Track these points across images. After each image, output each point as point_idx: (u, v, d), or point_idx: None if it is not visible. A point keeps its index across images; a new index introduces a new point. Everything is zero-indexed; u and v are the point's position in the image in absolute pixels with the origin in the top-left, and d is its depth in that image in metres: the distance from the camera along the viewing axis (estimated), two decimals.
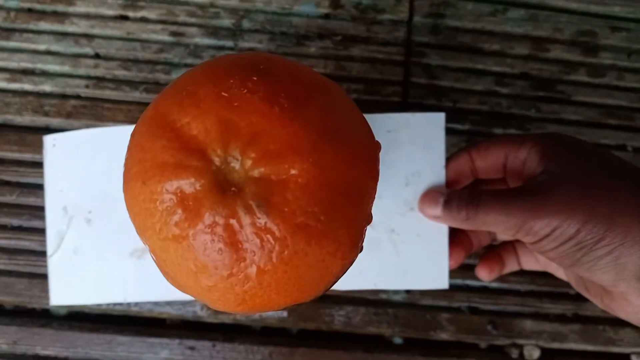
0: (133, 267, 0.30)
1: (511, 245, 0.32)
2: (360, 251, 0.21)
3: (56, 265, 0.30)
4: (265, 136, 0.18)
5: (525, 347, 0.33)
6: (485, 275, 0.31)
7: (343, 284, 0.28)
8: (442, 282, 0.30)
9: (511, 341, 0.33)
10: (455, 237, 0.30)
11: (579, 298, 0.33)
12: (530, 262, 0.31)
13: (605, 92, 0.35)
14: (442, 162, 0.29)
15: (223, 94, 0.19)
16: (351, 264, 0.21)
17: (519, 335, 0.33)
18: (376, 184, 0.21)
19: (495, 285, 0.34)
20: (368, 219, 0.21)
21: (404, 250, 0.30)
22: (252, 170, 0.18)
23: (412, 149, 0.30)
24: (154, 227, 0.19)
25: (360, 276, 0.30)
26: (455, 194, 0.27)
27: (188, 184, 0.18)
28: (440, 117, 0.30)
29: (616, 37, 0.36)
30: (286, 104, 0.18)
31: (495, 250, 0.32)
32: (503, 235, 0.32)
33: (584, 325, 0.33)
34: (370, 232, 0.30)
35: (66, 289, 0.30)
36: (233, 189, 0.18)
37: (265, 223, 0.18)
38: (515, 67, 0.35)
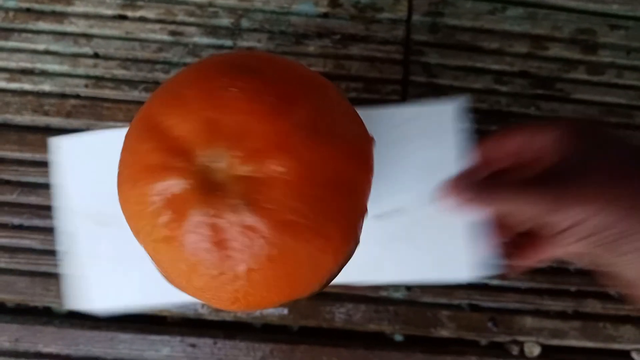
0: (149, 269, 0.29)
1: (530, 239, 0.30)
2: (357, 244, 0.21)
3: (73, 270, 0.29)
4: (250, 135, 0.18)
5: (525, 343, 0.33)
6: (511, 272, 0.29)
7: (361, 278, 0.28)
8: (465, 273, 0.29)
9: (511, 338, 0.33)
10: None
11: (579, 295, 0.33)
12: (549, 254, 0.29)
13: (604, 90, 0.35)
14: (459, 152, 0.28)
15: (209, 94, 0.19)
16: (347, 258, 0.21)
17: (520, 332, 0.33)
18: (370, 178, 0.21)
19: (495, 282, 0.34)
20: (363, 212, 0.21)
21: (423, 242, 0.29)
22: (237, 169, 0.18)
23: (426, 139, 0.29)
24: (145, 229, 0.19)
25: (379, 270, 0.29)
26: (474, 183, 0.26)
27: (174, 185, 0.18)
28: (454, 106, 0.29)
29: (615, 35, 0.36)
30: (272, 102, 0.18)
31: (514, 244, 0.30)
32: (520, 228, 0.30)
33: (584, 322, 0.33)
34: (387, 225, 0.29)
35: (84, 294, 0.29)
36: (218, 188, 0.18)
37: (251, 221, 0.18)
38: (515, 65, 0.35)
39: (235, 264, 0.18)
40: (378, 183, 0.30)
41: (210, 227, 0.18)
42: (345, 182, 0.19)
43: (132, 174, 0.20)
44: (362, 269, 0.29)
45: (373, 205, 0.29)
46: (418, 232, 0.29)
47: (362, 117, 0.25)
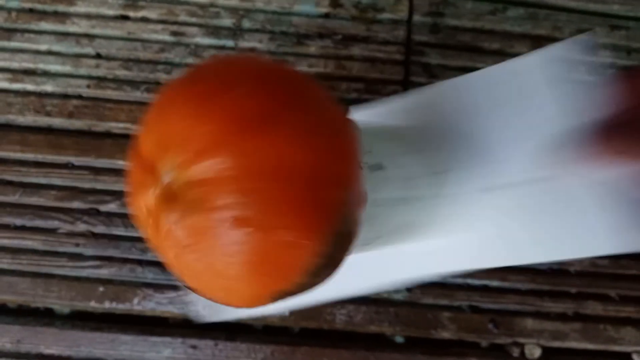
0: None
1: None
2: (348, 232, 0.20)
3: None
4: (194, 138, 0.19)
5: (526, 345, 0.33)
6: None
7: (488, 263, 0.27)
8: (608, 245, 0.25)
9: (512, 340, 0.33)
10: None
11: (579, 297, 0.33)
12: None
13: None
14: (569, 104, 0.25)
15: (160, 109, 0.20)
16: (343, 243, 0.20)
17: (520, 333, 0.33)
18: (350, 162, 0.21)
19: (496, 283, 0.34)
20: (341, 197, 0.20)
21: (553, 215, 0.26)
22: (187, 175, 0.19)
23: (530, 102, 0.26)
24: (146, 238, 0.21)
25: (508, 252, 0.27)
26: (624, 132, 0.21)
27: (148, 199, 0.20)
28: (546, 54, 0.25)
29: (615, 35, 0.36)
30: (216, 102, 0.19)
31: None
32: None
33: (585, 323, 0.33)
34: (504, 202, 0.26)
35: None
36: (176, 196, 0.19)
37: (205, 223, 0.19)
38: None
39: (209, 264, 0.19)
40: (478, 157, 0.27)
41: (176, 232, 0.19)
42: (301, 168, 0.20)
43: (130, 189, 0.21)
44: (482, 253, 0.27)
45: (479, 180, 0.27)
46: (545, 203, 0.26)
47: (447, 85, 0.24)
